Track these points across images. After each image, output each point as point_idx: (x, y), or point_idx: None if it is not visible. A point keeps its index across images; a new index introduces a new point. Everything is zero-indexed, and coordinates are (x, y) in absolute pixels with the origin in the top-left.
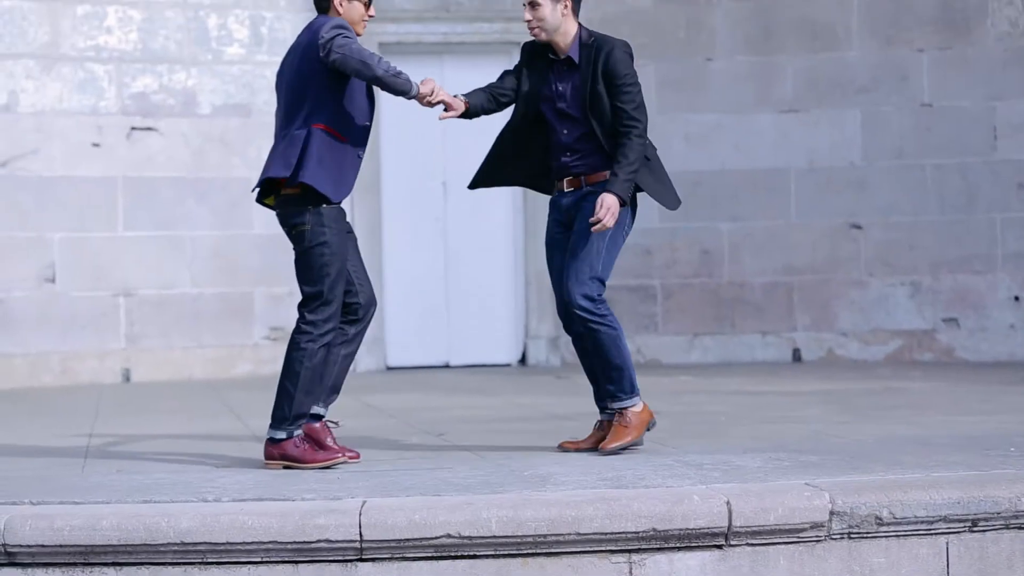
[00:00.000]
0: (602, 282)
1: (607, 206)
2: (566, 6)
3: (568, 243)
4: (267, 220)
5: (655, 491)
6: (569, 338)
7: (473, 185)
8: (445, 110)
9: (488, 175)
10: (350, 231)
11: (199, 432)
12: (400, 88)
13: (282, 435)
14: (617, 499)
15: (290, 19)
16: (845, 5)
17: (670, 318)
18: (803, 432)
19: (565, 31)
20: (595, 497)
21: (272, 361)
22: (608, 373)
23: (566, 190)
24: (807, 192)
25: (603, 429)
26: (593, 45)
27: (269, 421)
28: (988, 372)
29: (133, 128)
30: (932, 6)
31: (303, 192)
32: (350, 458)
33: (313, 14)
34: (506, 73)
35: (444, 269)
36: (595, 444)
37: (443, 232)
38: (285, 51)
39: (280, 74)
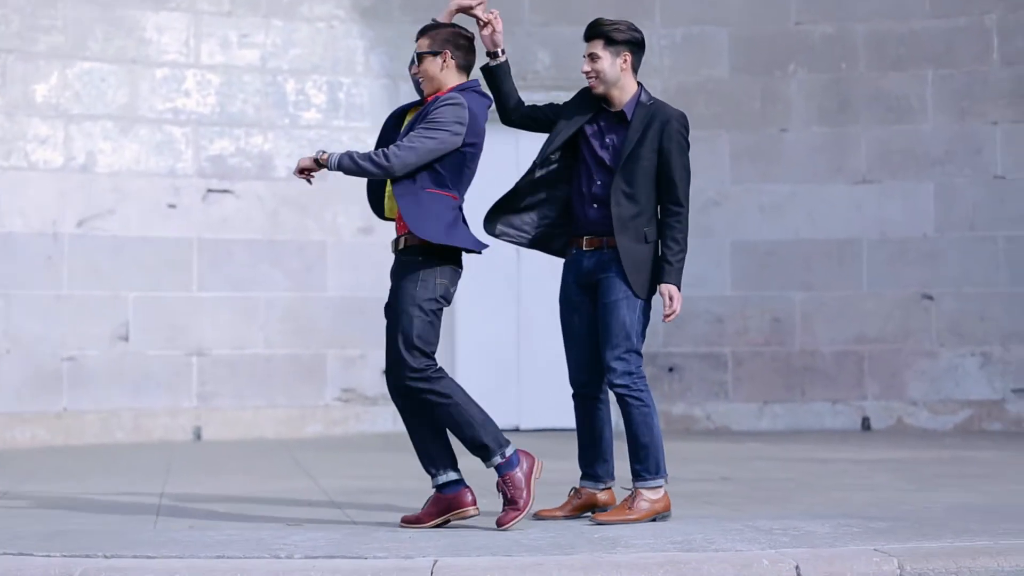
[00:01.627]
0: (639, 354)
1: (674, 299)
2: (625, 60)
3: (586, 304)
4: (340, 283)
5: (724, 555)
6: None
7: (487, 221)
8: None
9: (501, 210)
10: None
11: (271, 491)
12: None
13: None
14: (687, 562)
15: (367, 85)
16: (919, 78)
17: (740, 385)
18: (872, 499)
19: (623, 86)
20: (665, 560)
21: (343, 422)
22: (635, 450)
23: (585, 248)
24: (879, 262)
25: (580, 496)
26: (651, 107)
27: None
28: None
29: (209, 190)
30: (1006, 79)
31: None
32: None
33: (391, 81)
34: (550, 104)
35: (516, 332)
36: (572, 512)
37: (516, 296)
38: (362, 116)
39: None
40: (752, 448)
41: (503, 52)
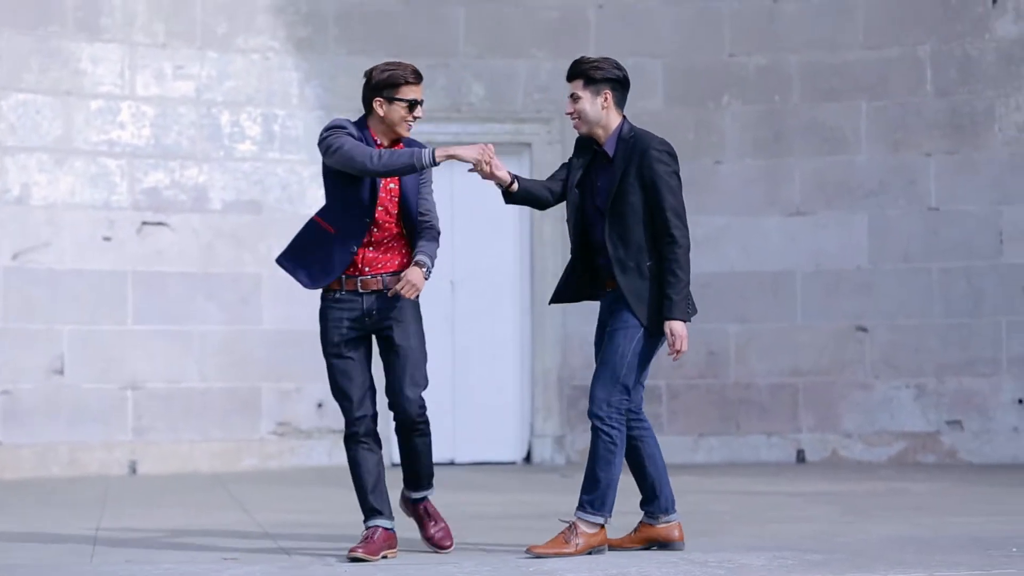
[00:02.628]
0: (627, 389)
1: (679, 336)
2: (606, 99)
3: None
4: (276, 316)
5: None
6: (574, 437)
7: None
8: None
9: (566, 288)
10: (389, 335)
11: (206, 524)
12: (403, 166)
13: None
14: None
15: (302, 117)
16: (853, 109)
17: (675, 418)
18: (807, 531)
19: (606, 124)
20: None
21: (278, 456)
22: (589, 481)
23: (608, 290)
24: (814, 294)
25: (640, 531)
26: (631, 141)
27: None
28: (991, 474)
29: (144, 223)
30: (940, 111)
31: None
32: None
33: (327, 113)
34: (562, 166)
35: (452, 367)
36: (633, 543)
37: (451, 330)
38: (297, 149)
39: None
40: (687, 481)
41: (513, 177)
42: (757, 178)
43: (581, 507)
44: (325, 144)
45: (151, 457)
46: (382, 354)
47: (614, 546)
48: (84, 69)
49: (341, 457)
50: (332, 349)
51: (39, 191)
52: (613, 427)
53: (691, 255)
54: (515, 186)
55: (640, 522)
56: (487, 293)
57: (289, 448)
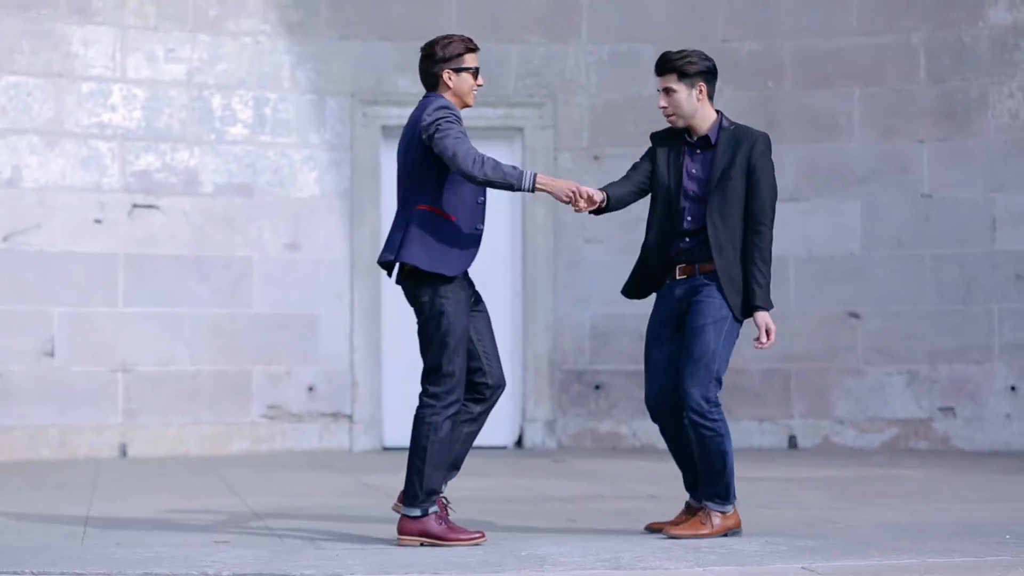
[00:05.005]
0: (719, 382)
1: (767, 329)
2: (701, 91)
3: (667, 337)
4: (267, 299)
5: (653, 573)
6: (566, 422)
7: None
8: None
9: (642, 282)
10: (481, 309)
11: (197, 508)
12: (503, 184)
13: (417, 512)
14: None
15: (293, 100)
16: (846, 96)
17: None
18: (799, 517)
19: (703, 116)
20: None
21: (269, 439)
22: (707, 476)
23: (678, 277)
24: (806, 281)
25: (689, 511)
26: (735, 132)
27: (400, 502)
28: (984, 461)
29: (135, 205)
30: (933, 98)
31: (417, 269)
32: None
33: (318, 96)
34: (637, 164)
35: None
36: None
37: None
38: (288, 132)
39: (397, 153)
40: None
41: (604, 195)
42: None
43: (709, 499)
44: (436, 125)
45: (141, 440)
46: (476, 333)
47: (654, 528)
48: (75, 51)
49: (332, 440)
50: (462, 329)
51: (30, 173)
52: (715, 419)
53: None
54: (606, 202)
55: (687, 503)
56: (478, 277)
57: (280, 431)
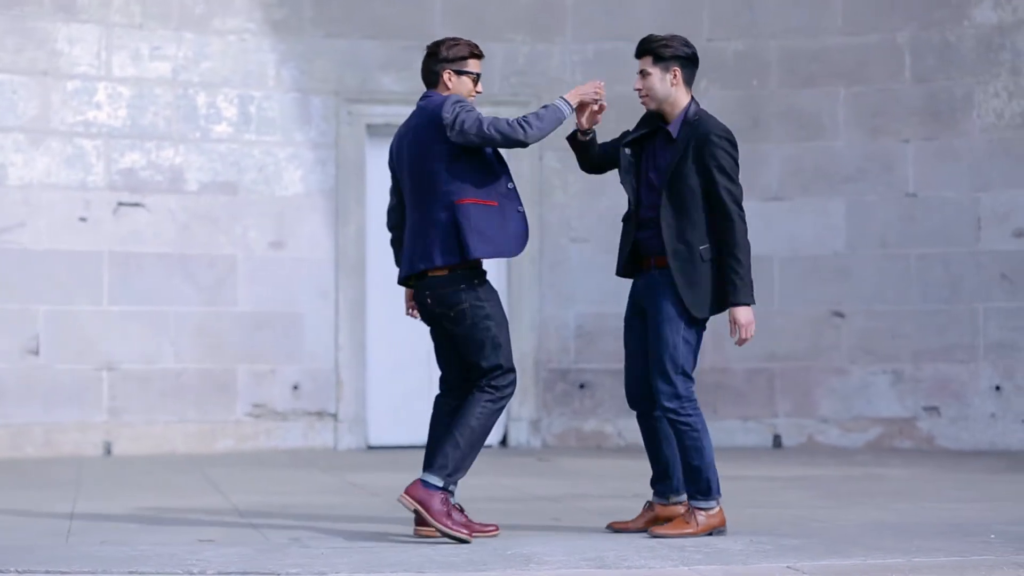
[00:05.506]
0: (687, 375)
1: (743, 325)
2: (675, 75)
3: (638, 325)
4: (251, 298)
5: (637, 572)
6: (550, 421)
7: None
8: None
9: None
10: None
11: (182, 506)
12: (553, 123)
13: (438, 483)
14: None
15: (278, 99)
16: (831, 95)
17: None
18: (784, 516)
19: (674, 101)
20: None
21: (254, 438)
22: (688, 472)
23: (642, 269)
24: (790, 280)
25: (652, 510)
26: (695, 123)
27: (426, 467)
28: (968, 460)
29: (120, 203)
30: (918, 97)
31: (452, 272)
32: (489, 533)
33: (303, 95)
34: (621, 134)
35: (427, 350)
36: (645, 525)
37: None
38: (273, 130)
39: (399, 158)
40: None
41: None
42: None
43: (692, 497)
44: (460, 119)
45: (126, 438)
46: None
47: (619, 529)
48: (61, 49)
49: (316, 439)
50: (507, 326)
51: (15, 171)
52: (689, 415)
53: None
54: (595, 137)
55: (648, 502)
56: None
57: (265, 430)
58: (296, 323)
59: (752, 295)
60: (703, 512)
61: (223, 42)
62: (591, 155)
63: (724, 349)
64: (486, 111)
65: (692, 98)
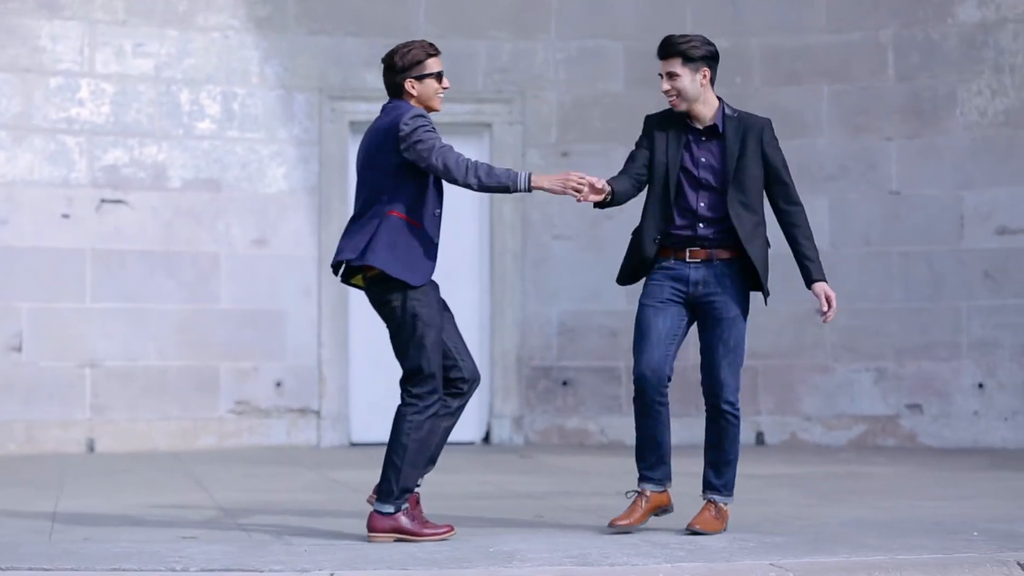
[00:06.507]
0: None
1: (831, 298)
2: (704, 75)
3: (674, 310)
4: (234, 295)
5: (620, 569)
6: (533, 418)
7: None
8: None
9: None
10: (446, 308)
11: (165, 503)
12: (498, 187)
13: (390, 509)
14: None
15: (261, 96)
16: (814, 93)
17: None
18: (767, 514)
19: (706, 100)
20: (561, 574)
21: (237, 435)
22: (719, 466)
23: (689, 260)
24: (773, 277)
25: (648, 499)
26: (740, 120)
27: (375, 495)
28: (951, 458)
29: (103, 200)
30: (901, 95)
31: (386, 274)
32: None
33: (286, 92)
34: (634, 153)
35: None
36: (644, 518)
37: None
38: (256, 127)
39: (359, 157)
40: None
41: (609, 188)
42: None
43: (717, 491)
44: (416, 137)
45: (109, 435)
46: (444, 332)
47: (622, 526)
48: (43, 46)
49: (299, 436)
50: (437, 330)
51: None
52: (739, 409)
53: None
54: (610, 195)
55: (637, 492)
56: (445, 273)
57: (247, 427)
58: (279, 320)
59: (823, 272)
60: (726, 507)
61: (206, 39)
62: (621, 200)
63: None
64: (469, 108)
65: (720, 98)
